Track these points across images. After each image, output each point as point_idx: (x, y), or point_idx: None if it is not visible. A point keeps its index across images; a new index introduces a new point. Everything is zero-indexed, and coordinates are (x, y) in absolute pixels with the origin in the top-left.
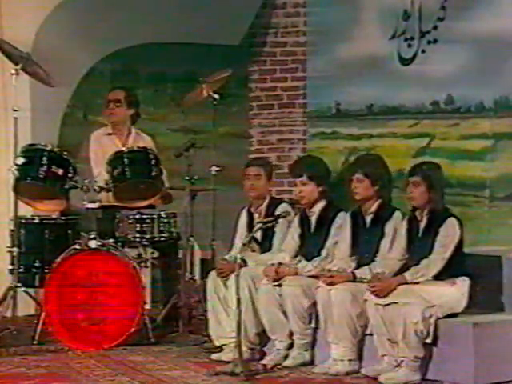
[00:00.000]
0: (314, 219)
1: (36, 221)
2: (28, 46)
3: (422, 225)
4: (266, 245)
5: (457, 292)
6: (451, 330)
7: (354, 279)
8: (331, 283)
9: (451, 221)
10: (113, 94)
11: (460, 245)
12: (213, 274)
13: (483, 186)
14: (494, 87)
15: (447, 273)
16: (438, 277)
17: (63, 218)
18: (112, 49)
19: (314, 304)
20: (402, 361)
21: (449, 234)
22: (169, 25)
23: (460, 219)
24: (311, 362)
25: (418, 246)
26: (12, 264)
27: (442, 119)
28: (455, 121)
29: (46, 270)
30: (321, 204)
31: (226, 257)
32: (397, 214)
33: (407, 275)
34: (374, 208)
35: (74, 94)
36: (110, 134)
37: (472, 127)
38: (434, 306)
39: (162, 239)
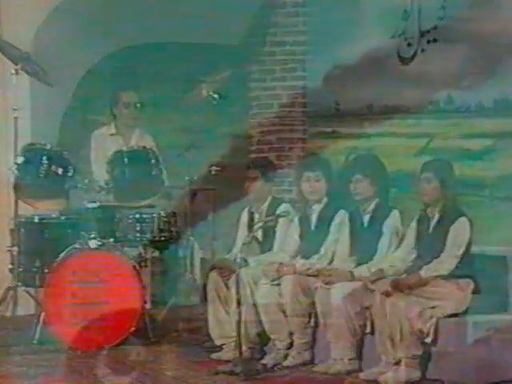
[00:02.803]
0: (314, 217)
1: (36, 220)
2: (28, 46)
3: (433, 221)
4: (267, 244)
5: (459, 293)
6: (451, 329)
7: (353, 278)
8: (330, 282)
9: (463, 220)
10: (132, 97)
11: (468, 246)
12: (213, 273)
13: (483, 186)
14: (494, 87)
15: (451, 273)
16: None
17: (63, 217)
18: (112, 49)
19: (313, 303)
20: (400, 359)
21: (460, 234)
22: (168, 25)
23: (471, 220)
24: (311, 362)
25: (428, 242)
26: (12, 264)
27: (442, 119)
28: (455, 121)
29: (46, 270)
30: (323, 201)
31: (227, 256)
32: (394, 212)
33: (422, 272)
34: (371, 207)
35: (74, 94)
36: (112, 135)
37: (472, 127)
38: (434, 306)
39: (162, 239)
